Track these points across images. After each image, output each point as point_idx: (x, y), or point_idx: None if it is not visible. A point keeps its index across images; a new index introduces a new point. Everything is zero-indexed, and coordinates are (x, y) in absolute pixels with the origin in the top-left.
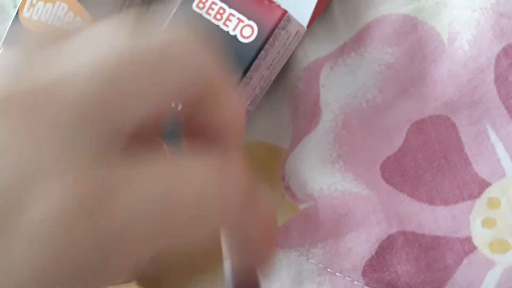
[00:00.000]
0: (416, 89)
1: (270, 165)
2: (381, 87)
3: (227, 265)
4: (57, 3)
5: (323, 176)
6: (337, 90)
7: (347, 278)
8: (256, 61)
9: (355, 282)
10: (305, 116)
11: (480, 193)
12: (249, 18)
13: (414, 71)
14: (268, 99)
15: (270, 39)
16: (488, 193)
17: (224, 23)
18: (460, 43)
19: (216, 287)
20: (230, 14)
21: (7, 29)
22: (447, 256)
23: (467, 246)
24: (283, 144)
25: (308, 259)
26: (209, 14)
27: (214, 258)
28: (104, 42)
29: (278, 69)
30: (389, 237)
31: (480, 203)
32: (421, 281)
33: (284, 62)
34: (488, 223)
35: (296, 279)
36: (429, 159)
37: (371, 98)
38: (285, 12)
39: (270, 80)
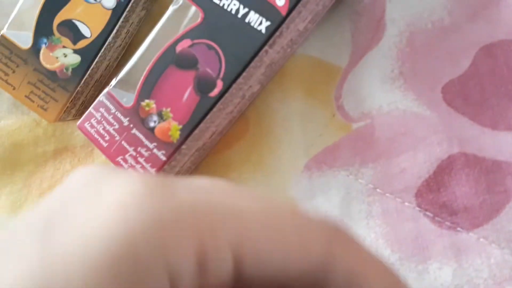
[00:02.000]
0: (489, 12)
1: (322, 82)
2: (451, 9)
3: None
4: None
5: (383, 93)
6: (404, 8)
7: (397, 199)
8: None
9: (406, 204)
10: (367, 32)
11: None
12: None
13: None
14: (328, 18)
15: None
16: None
17: None
18: None
19: None
20: None
21: None
22: (507, 181)
23: None
24: (339, 62)
25: (357, 179)
26: None
27: None
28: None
29: None
30: (449, 157)
31: None
32: (480, 203)
33: None
34: None
35: (345, 199)
36: (496, 84)
37: (438, 19)
38: None
39: None
